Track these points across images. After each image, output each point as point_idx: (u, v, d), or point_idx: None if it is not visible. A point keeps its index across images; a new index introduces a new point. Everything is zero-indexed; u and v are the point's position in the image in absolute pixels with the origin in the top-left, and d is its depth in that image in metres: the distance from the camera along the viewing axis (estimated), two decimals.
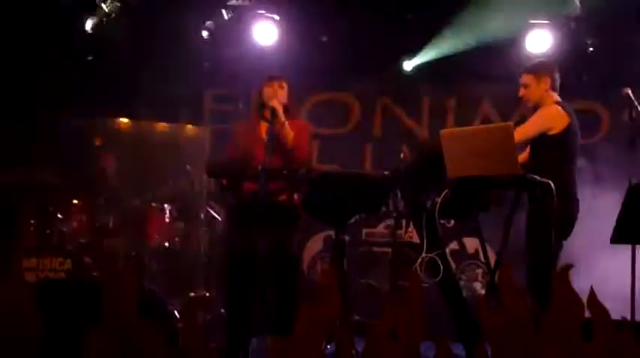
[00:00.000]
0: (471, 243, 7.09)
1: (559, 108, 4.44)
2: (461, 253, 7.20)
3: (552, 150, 4.40)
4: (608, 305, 2.49)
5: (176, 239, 6.24)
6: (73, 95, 6.74)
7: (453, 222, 6.85)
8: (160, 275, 6.00)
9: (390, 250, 6.77)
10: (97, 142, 6.29)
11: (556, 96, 4.56)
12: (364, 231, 7.14)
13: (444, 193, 4.07)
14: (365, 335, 2.60)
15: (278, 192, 4.47)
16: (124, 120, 7.40)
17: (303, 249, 7.21)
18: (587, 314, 2.48)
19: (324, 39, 7.14)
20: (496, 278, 4.01)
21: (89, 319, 2.49)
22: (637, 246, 4.17)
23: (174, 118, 7.55)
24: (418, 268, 4.04)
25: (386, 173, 4.55)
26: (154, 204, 6.24)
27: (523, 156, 4.59)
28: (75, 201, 6.05)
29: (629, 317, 3.81)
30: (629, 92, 4.46)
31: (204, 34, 6.75)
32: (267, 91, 4.58)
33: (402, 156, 4.91)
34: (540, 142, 4.44)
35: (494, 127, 4.55)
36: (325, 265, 7.16)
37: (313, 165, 7.05)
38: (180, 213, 6.31)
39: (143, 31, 6.93)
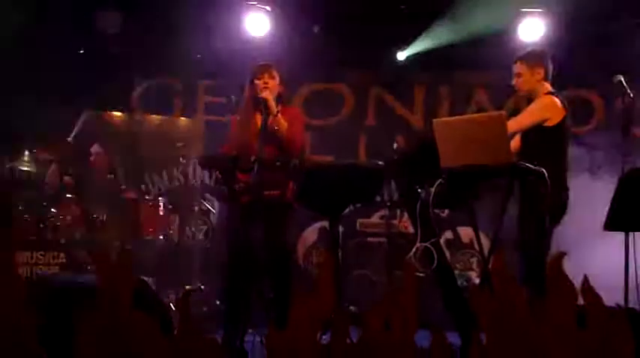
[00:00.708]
0: (466, 232, 7.10)
1: (555, 99, 4.43)
2: (455, 242, 7.22)
3: (546, 140, 4.39)
4: (601, 292, 2.50)
5: (170, 231, 6.23)
6: (66, 88, 6.71)
7: (447, 211, 6.87)
8: (155, 268, 5.99)
9: (384, 240, 6.79)
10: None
11: (549, 86, 4.55)
12: (359, 221, 7.14)
13: (438, 183, 4.07)
14: (360, 325, 2.60)
15: (272, 183, 4.46)
16: (117, 113, 7.38)
17: (298, 240, 7.22)
18: (580, 301, 2.48)
19: (317, 29, 7.12)
20: (489, 265, 4.02)
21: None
22: (630, 233, 4.18)
23: (168, 110, 7.53)
24: (413, 257, 4.05)
25: (380, 163, 4.54)
26: (147, 197, 6.23)
27: (513, 144, 4.59)
28: (69, 195, 6.04)
29: (622, 304, 3.82)
30: (622, 80, 4.46)
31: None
32: (258, 84, 4.56)
33: (395, 146, 4.89)
34: (534, 132, 4.44)
35: (487, 116, 4.55)
36: (320, 256, 7.17)
37: (307, 156, 7.06)
38: (174, 205, 6.31)
39: (136, 22, 6.91)
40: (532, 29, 6.72)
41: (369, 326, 2.55)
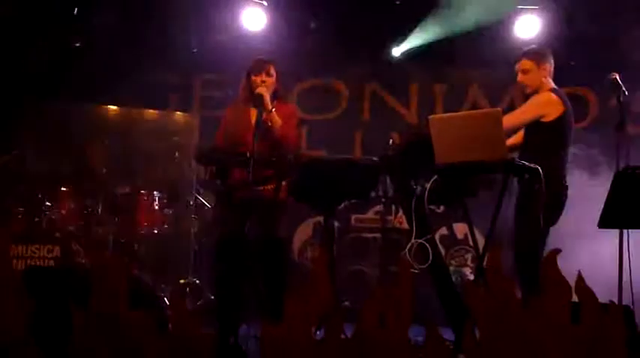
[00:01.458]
0: (461, 229, 7.09)
1: (553, 95, 4.43)
2: (450, 238, 7.22)
3: (545, 137, 4.39)
4: (595, 289, 2.52)
5: (165, 226, 6.23)
6: (62, 82, 6.70)
7: (442, 207, 6.88)
8: (150, 262, 5.99)
9: (379, 236, 6.79)
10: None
11: (552, 83, 4.56)
12: (353, 216, 7.15)
13: (433, 179, 4.08)
14: (354, 320, 2.61)
15: (266, 179, 4.46)
16: (113, 107, 7.37)
17: (293, 236, 7.22)
18: (574, 297, 2.50)
19: (313, 25, 7.12)
20: (485, 262, 4.03)
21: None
22: (625, 230, 4.19)
23: (164, 105, 7.52)
24: (408, 253, 4.06)
25: (375, 159, 4.55)
26: (143, 191, 6.22)
27: (516, 139, 4.60)
28: (63, 188, 6.03)
29: (616, 300, 3.83)
30: (617, 77, 4.47)
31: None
32: (254, 80, 4.56)
33: (391, 142, 4.90)
34: (534, 128, 4.44)
35: (483, 113, 4.57)
36: (315, 251, 7.18)
37: (302, 151, 7.05)
38: (169, 200, 6.30)
39: (132, 17, 6.89)
40: (528, 26, 6.73)
41: (363, 321, 2.56)
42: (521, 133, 4.59)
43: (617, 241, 4.22)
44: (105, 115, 7.29)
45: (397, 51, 7.33)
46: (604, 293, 2.66)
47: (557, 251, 2.53)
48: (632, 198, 3.91)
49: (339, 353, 2.52)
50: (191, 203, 6.44)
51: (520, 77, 4.57)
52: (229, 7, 6.91)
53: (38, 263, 5.54)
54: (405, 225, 4.96)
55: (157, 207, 6.18)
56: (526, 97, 4.61)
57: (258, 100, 4.43)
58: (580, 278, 2.47)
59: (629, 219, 3.98)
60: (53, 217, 5.89)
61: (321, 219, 6.00)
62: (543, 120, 4.39)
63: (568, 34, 6.65)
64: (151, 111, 7.42)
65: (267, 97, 4.44)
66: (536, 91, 4.54)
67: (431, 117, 4.20)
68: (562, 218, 4.42)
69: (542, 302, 2.43)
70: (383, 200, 6.60)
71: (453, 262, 7.04)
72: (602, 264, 4.49)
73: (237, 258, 4.37)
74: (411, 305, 2.56)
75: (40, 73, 6.67)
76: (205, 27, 6.90)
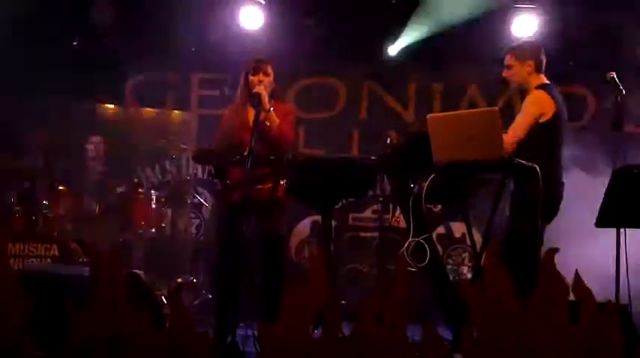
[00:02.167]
0: (458, 228, 7.11)
1: (544, 92, 4.41)
2: (448, 237, 7.23)
3: (540, 136, 4.38)
4: (592, 287, 2.52)
5: (163, 225, 6.23)
6: (60, 81, 6.69)
7: (439, 206, 6.89)
8: (147, 262, 5.99)
9: (377, 235, 6.80)
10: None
11: (542, 79, 4.52)
12: (351, 215, 7.16)
13: (430, 178, 4.08)
14: (352, 319, 2.61)
15: (264, 178, 4.46)
16: (111, 106, 7.36)
17: (290, 234, 7.22)
18: (572, 296, 2.50)
19: (310, 23, 7.11)
20: (482, 261, 4.03)
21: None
22: (621, 229, 4.20)
23: (161, 104, 7.52)
24: (405, 252, 4.06)
25: (373, 157, 4.55)
26: (140, 190, 6.22)
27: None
28: (61, 187, 6.02)
29: (613, 299, 3.84)
30: (614, 76, 4.47)
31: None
32: (252, 79, 4.57)
33: (388, 140, 4.90)
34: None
35: (481, 112, 4.56)
36: (313, 250, 7.18)
37: (300, 150, 7.06)
38: (167, 199, 6.30)
39: (131, 16, 6.89)
40: (525, 25, 6.74)
41: (361, 320, 2.56)
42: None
43: (614, 240, 4.22)
44: (103, 114, 7.29)
45: (393, 49, 7.32)
46: (601, 292, 2.66)
47: (555, 250, 2.53)
48: (630, 197, 3.92)
49: (336, 351, 2.52)
50: (189, 202, 6.45)
51: (505, 72, 4.58)
52: (227, 6, 6.90)
53: (35, 261, 5.53)
54: (403, 224, 4.97)
55: (154, 207, 6.18)
56: (522, 97, 4.60)
57: (256, 100, 4.44)
58: (578, 277, 2.48)
59: (627, 218, 3.98)
60: (51, 216, 5.88)
61: (318, 217, 6.01)
62: (540, 120, 4.37)
63: (566, 32, 6.65)
64: (149, 109, 7.41)
65: (266, 97, 4.45)
66: (522, 87, 4.54)
67: (429, 116, 4.19)
68: (559, 217, 4.42)
69: (540, 301, 2.43)
70: (380, 199, 6.61)
71: (450, 261, 7.05)
72: (599, 262, 4.49)
73: (235, 257, 4.37)
74: (409, 304, 2.56)
75: (39, 72, 6.66)
76: (203, 26, 6.89)
